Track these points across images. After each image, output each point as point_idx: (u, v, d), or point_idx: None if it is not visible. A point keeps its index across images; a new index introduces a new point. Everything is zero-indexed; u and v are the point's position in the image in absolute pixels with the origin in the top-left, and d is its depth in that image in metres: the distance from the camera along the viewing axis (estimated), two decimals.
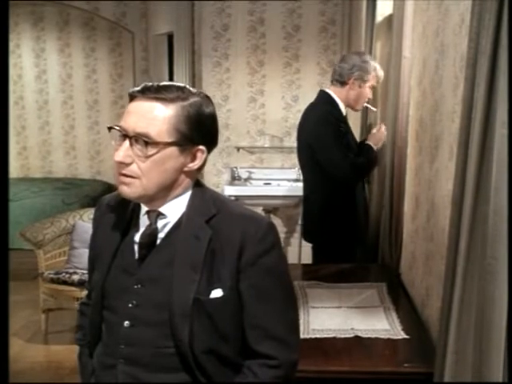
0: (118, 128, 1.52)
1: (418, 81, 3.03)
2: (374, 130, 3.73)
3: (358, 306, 2.78)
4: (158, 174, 1.52)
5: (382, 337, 2.45)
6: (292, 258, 5.68)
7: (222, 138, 5.81)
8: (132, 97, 1.54)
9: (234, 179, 5.74)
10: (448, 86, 2.42)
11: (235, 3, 5.68)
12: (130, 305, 1.58)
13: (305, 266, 4.05)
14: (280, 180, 5.56)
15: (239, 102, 5.79)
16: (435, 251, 2.57)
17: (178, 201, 1.60)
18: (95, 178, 8.62)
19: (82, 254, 4.73)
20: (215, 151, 5.74)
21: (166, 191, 1.57)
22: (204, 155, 1.59)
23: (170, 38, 6.46)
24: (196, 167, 1.58)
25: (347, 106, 3.69)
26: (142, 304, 1.57)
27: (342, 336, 2.45)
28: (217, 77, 5.80)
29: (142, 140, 1.48)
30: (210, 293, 1.54)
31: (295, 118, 3.77)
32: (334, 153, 3.52)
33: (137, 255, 1.61)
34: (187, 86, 1.60)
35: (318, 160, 3.59)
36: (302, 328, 2.50)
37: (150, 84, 1.53)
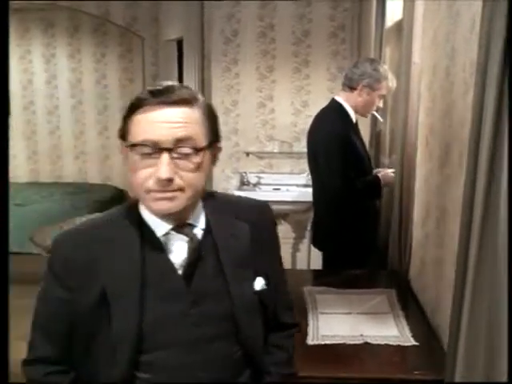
0: (147, 143, 1.38)
1: (427, 87, 3.02)
2: (390, 172, 3.69)
3: (367, 312, 2.77)
4: (201, 182, 1.45)
5: (392, 343, 2.44)
6: (301, 263, 5.68)
7: (231, 143, 5.82)
8: (140, 106, 1.40)
9: (243, 184, 5.74)
10: (458, 91, 2.42)
11: (245, 9, 5.69)
12: (189, 329, 1.48)
13: (314, 271, 4.05)
14: (289, 185, 5.55)
15: (248, 107, 5.79)
16: (445, 257, 2.56)
17: (198, 207, 1.55)
18: (105, 183, 8.64)
19: None
20: (224, 156, 5.75)
21: (197, 199, 1.52)
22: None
23: (180, 43, 6.48)
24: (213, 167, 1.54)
25: (355, 111, 3.68)
26: (201, 324, 1.49)
27: (352, 342, 2.44)
28: (226, 82, 5.81)
29: (188, 148, 1.39)
30: (259, 284, 1.57)
31: (304, 124, 3.77)
32: (334, 173, 3.50)
33: (179, 276, 1.49)
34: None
35: (319, 171, 3.60)
36: (311, 334, 2.50)
37: (157, 89, 1.40)
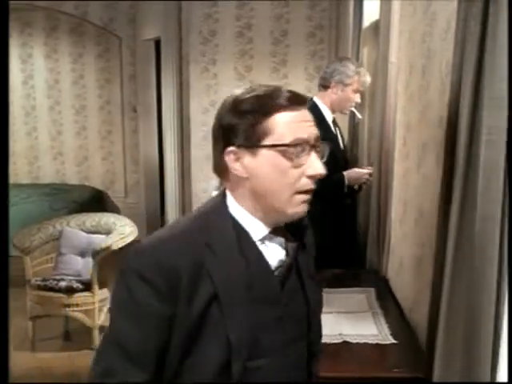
0: (300, 142, 1.36)
1: (404, 86, 3.04)
2: (366, 170, 3.70)
3: (346, 311, 2.77)
4: None
5: (371, 342, 2.45)
6: None
7: (209, 143, 5.80)
8: (281, 107, 1.36)
9: (222, 185, 5.72)
10: (434, 91, 2.43)
11: (223, 9, 5.69)
12: (282, 332, 1.46)
13: None
14: None
15: None
16: (423, 256, 2.57)
17: None
18: (83, 184, 8.58)
19: (70, 261, 4.71)
20: (202, 156, 5.74)
21: None
22: None
23: (158, 43, 6.46)
24: None
25: (332, 110, 3.71)
26: (289, 326, 1.48)
27: (331, 341, 2.44)
28: (204, 82, 5.80)
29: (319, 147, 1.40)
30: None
31: None
32: None
33: (277, 280, 1.46)
34: None
35: None
36: None
37: (289, 90, 1.40)
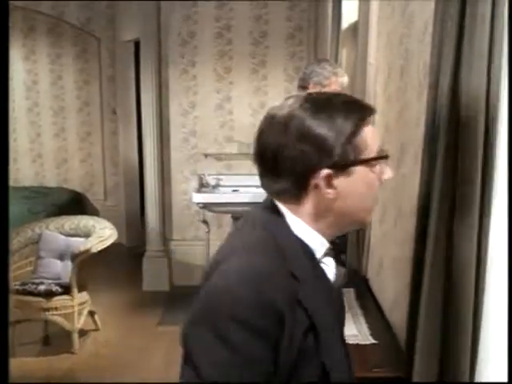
0: (386, 153, 1.30)
1: (383, 87, 3.06)
2: None
3: None
4: None
5: (351, 342, 2.45)
6: None
7: (189, 144, 5.81)
8: (368, 118, 1.27)
9: (202, 186, 5.72)
10: (412, 92, 2.45)
11: (202, 10, 5.68)
12: (342, 351, 1.36)
13: None
14: (248, 187, 5.54)
15: (206, 108, 5.78)
16: (402, 256, 2.58)
17: None
18: (62, 186, 8.51)
19: (49, 264, 4.68)
20: (182, 158, 5.72)
21: None
22: None
23: (137, 44, 6.43)
24: None
25: None
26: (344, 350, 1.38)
27: None
28: (184, 84, 5.79)
29: None
30: None
31: None
32: None
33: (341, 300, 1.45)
34: None
35: None
36: None
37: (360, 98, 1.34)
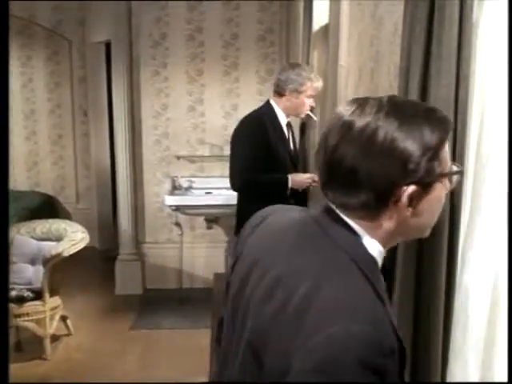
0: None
1: (354, 89, 3.08)
2: (309, 175, 3.79)
3: None
4: None
5: None
6: None
7: (161, 147, 5.79)
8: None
9: (175, 189, 5.71)
10: (383, 94, 2.46)
11: (173, 12, 5.66)
12: None
13: None
14: (221, 189, 5.54)
15: (178, 110, 5.77)
16: None
17: None
18: (33, 190, 8.42)
19: (20, 269, 4.62)
20: (155, 160, 5.67)
21: None
22: None
23: (108, 46, 6.39)
24: None
25: (287, 114, 3.79)
26: None
27: None
28: (155, 86, 5.77)
29: None
30: None
31: (235, 127, 3.79)
32: (237, 162, 3.73)
33: None
34: None
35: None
36: None
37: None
